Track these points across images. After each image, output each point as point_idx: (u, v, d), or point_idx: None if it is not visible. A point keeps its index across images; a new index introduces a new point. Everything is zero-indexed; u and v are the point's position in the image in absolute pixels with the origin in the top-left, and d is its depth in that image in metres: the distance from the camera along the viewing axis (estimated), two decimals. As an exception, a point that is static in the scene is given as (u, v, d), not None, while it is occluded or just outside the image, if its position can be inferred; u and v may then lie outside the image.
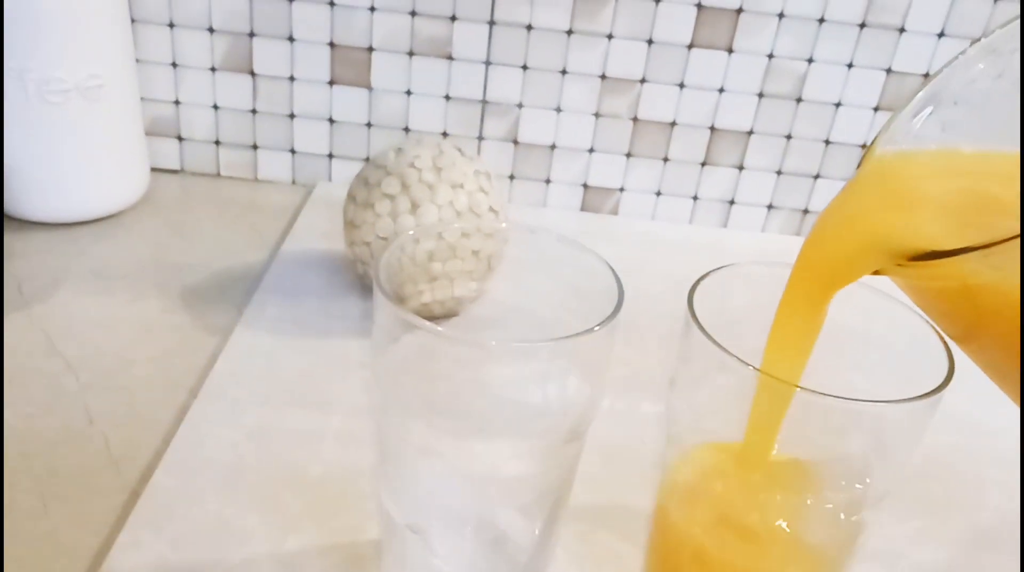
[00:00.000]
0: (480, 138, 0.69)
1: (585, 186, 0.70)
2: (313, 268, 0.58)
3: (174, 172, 0.70)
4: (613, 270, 0.31)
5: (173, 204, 0.66)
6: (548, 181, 0.70)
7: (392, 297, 0.29)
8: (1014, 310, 0.23)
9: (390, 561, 0.34)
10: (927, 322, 0.29)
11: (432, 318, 0.31)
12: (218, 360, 0.48)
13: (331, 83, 0.67)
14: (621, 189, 0.70)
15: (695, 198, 0.71)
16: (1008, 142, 0.27)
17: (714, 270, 0.31)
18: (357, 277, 0.56)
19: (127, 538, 0.36)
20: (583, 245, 0.32)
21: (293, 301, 0.54)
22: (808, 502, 0.29)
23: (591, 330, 0.28)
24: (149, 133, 0.69)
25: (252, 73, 0.66)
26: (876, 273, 0.25)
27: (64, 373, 0.46)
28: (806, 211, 0.71)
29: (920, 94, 0.28)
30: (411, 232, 0.33)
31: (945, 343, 0.28)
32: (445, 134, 0.69)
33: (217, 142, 0.69)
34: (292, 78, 0.67)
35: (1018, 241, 0.21)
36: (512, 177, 0.70)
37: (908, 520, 0.42)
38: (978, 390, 0.29)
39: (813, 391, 0.27)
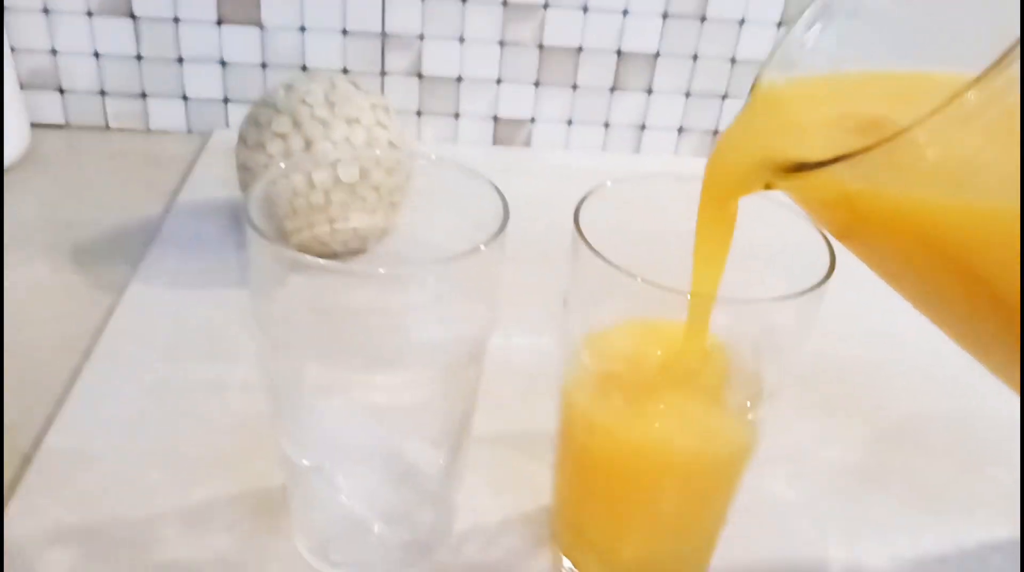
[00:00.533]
0: (383, 73, 0.66)
1: (495, 119, 0.69)
2: (212, 218, 0.55)
3: (59, 127, 0.66)
4: (496, 188, 0.30)
5: (59, 160, 0.63)
6: (457, 115, 0.69)
7: (267, 234, 0.27)
8: (886, 215, 0.24)
9: (297, 505, 0.33)
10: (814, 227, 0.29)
11: (332, 257, 0.30)
12: (112, 317, 0.45)
13: (219, 23, 0.63)
14: (532, 120, 0.69)
15: (606, 125, 0.70)
16: (904, 55, 0.28)
17: (598, 187, 0.31)
18: (259, 223, 0.54)
19: (21, 506, 0.34)
20: (474, 171, 0.31)
21: (192, 253, 0.51)
22: (706, 391, 0.29)
23: (476, 250, 0.27)
24: (26, 86, 0.64)
25: (132, 16, 0.63)
26: (767, 187, 0.27)
27: (-55, 342, 0.44)
28: (716, 132, 0.71)
29: (812, 7, 0.28)
30: (283, 165, 0.31)
31: (829, 243, 0.29)
32: (346, 71, 0.66)
33: (102, 92, 0.66)
34: (176, 19, 0.63)
35: (883, 149, 0.21)
36: (420, 113, 0.68)
37: (812, 420, 0.43)
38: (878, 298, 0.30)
39: (703, 295, 0.27)
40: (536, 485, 0.38)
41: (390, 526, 0.33)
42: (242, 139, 0.50)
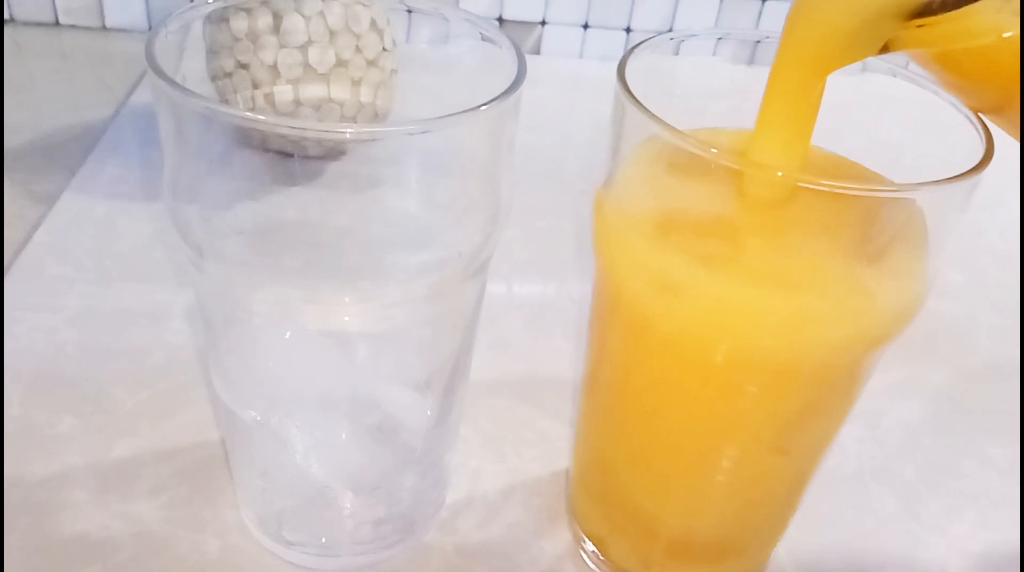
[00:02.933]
0: (372, -35, 0.57)
1: (500, 20, 0.60)
2: (168, 121, 0.47)
3: (2, 22, 0.58)
4: (513, 43, 0.22)
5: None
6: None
7: (184, 87, 0.19)
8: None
9: (241, 467, 0.26)
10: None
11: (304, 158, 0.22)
12: (37, 232, 0.37)
13: (180, -103, 0.54)
14: (543, 22, 0.60)
15: (628, 30, 0.61)
16: None
17: (645, 41, 0.23)
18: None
19: None
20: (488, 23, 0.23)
21: (138, 159, 0.43)
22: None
23: (477, 110, 0.19)
24: (-41, -28, 0.55)
25: None
26: (884, 50, 0.20)
27: None
28: (758, 43, 0.62)
29: None
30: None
31: (979, 122, 0.21)
32: (329, -40, 0.57)
33: (49, -18, 0.57)
34: None
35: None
36: (410, 11, 0.59)
37: (890, 370, 0.35)
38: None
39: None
40: (549, 444, 0.30)
41: (360, 496, 0.25)
42: (209, 16, 0.41)
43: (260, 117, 0.18)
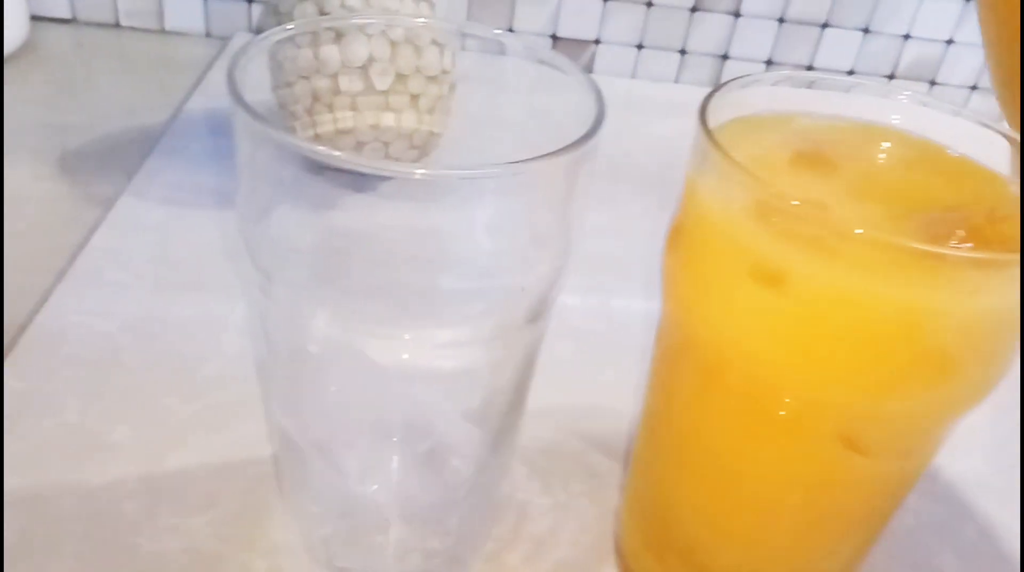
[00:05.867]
0: (429, -22, 0.57)
1: (554, 38, 0.60)
2: (222, 128, 0.47)
3: (63, 22, 0.59)
4: (595, 86, 0.22)
5: (60, 58, 0.55)
6: (511, 30, 0.60)
7: (264, 118, 0.19)
8: None
9: (293, 490, 0.26)
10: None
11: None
12: (95, 235, 0.38)
13: (245, -94, 0.55)
14: (596, 41, 0.60)
15: (682, 52, 0.61)
16: None
17: (730, 82, 0.22)
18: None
19: (-50, 459, 0.27)
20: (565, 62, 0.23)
21: (194, 166, 0.44)
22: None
23: (556, 154, 0.19)
24: (26, -29, 0.56)
25: None
26: None
27: None
28: (810, 67, 0.62)
29: None
30: (290, 27, 0.23)
31: None
32: (387, -28, 0.57)
33: (113, -16, 0.58)
34: (197, -101, 0.54)
35: None
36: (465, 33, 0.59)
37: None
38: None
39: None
40: (598, 480, 0.30)
41: (411, 525, 0.25)
42: (260, 32, 0.41)
43: (337, 153, 0.18)
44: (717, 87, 0.22)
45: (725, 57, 0.61)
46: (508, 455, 0.26)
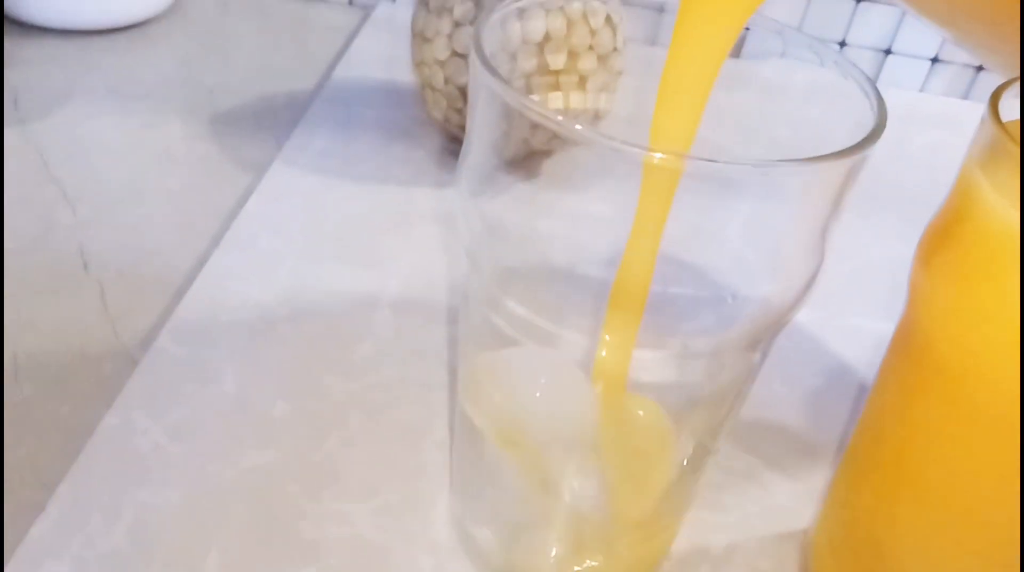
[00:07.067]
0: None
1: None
2: (370, 100, 0.46)
3: (211, -18, 0.59)
4: (865, 77, 0.19)
5: (208, 17, 0.55)
6: (661, 10, 0.57)
7: (508, 81, 0.17)
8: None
9: (467, 481, 0.25)
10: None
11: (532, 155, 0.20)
12: (249, 201, 0.37)
13: None
14: (746, 27, 0.57)
15: (842, 44, 0.57)
16: None
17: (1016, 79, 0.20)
18: (424, 113, 0.44)
19: (115, 419, 0.27)
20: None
21: (345, 136, 0.43)
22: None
23: (830, 157, 0.17)
24: (180, -70, 0.57)
25: None
26: None
27: (58, 203, 0.37)
28: (979, 68, 0.57)
29: None
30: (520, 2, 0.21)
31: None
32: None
33: (261, -54, 0.57)
34: None
35: None
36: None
37: None
38: None
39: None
40: (772, 500, 0.28)
41: (592, 539, 0.23)
42: (422, 1, 0.40)
43: (615, 140, 0.16)
44: (1008, 82, 0.19)
45: (887, 52, 0.57)
46: (704, 476, 0.24)
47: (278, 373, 0.30)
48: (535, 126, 0.17)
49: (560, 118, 0.17)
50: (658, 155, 0.16)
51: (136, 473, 0.26)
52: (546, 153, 0.21)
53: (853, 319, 0.35)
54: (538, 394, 0.21)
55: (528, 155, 0.20)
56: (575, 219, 0.21)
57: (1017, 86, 0.19)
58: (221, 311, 0.32)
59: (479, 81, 0.18)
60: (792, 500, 0.28)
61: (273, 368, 0.30)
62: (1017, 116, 0.19)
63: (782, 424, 0.30)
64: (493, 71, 0.17)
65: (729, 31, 0.19)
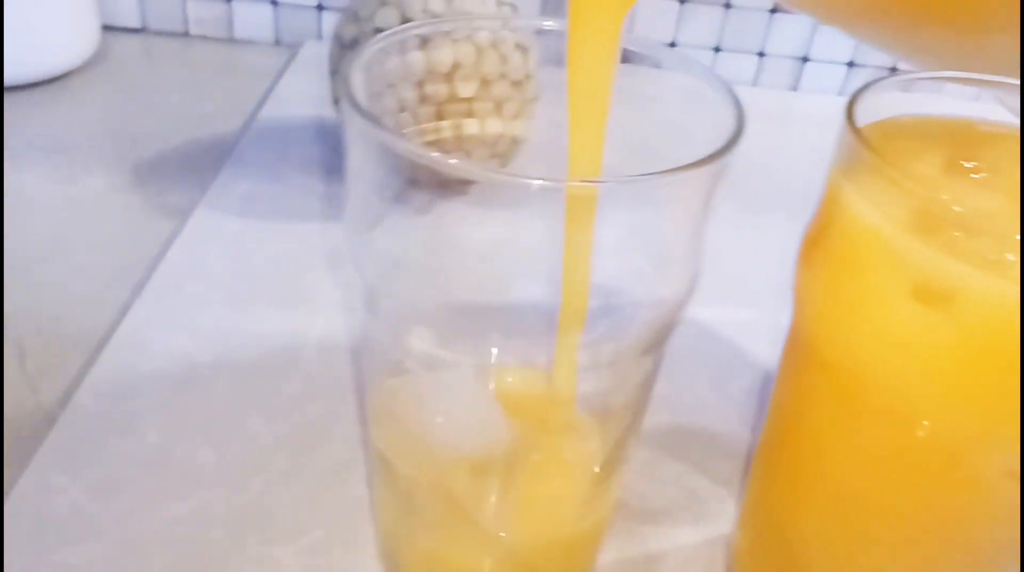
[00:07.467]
0: (500, -18, 0.56)
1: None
2: (296, 138, 0.46)
3: (134, 31, 0.59)
4: (728, 87, 0.20)
5: (131, 67, 0.55)
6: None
7: (379, 121, 0.18)
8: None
9: (385, 514, 0.24)
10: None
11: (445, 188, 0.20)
12: (171, 248, 0.37)
13: (315, -88, 0.54)
14: (672, 44, 0.58)
15: (761, 54, 0.58)
16: None
17: (875, 82, 0.20)
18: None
19: (31, 481, 0.26)
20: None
21: (270, 176, 0.43)
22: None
23: (694, 166, 0.17)
24: (99, -18, 0.57)
25: (217, -100, 0.54)
26: None
27: (-25, 265, 0.36)
28: (894, 69, 0.59)
29: None
30: (387, 34, 0.21)
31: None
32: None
33: (183, -7, 0.57)
34: (267, -94, 0.54)
35: None
36: (540, 31, 0.58)
37: None
38: None
39: None
40: (701, 505, 0.28)
41: (514, 557, 0.23)
42: (337, 38, 0.40)
43: (468, 166, 0.17)
44: (864, 87, 0.20)
45: (805, 59, 0.58)
46: (617, 487, 0.24)
47: (202, 420, 0.29)
48: (413, 163, 0.17)
49: (429, 153, 0.17)
50: (537, 182, 0.17)
51: (53, 534, 0.25)
52: (436, 186, 0.21)
53: (782, 319, 0.36)
54: (440, 418, 0.21)
55: (413, 188, 0.20)
56: (468, 249, 0.21)
57: (876, 89, 0.20)
58: (142, 361, 0.31)
59: (350, 121, 0.18)
60: (720, 504, 0.28)
61: (197, 415, 0.29)
62: (881, 118, 0.20)
63: (710, 429, 0.31)
64: (361, 110, 0.18)
65: (611, 35, 0.19)
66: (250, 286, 0.36)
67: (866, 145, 0.18)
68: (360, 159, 0.19)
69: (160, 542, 0.25)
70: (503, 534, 0.22)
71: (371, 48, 0.20)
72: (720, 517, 0.28)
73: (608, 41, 0.19)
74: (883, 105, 0.21)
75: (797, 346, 0.21)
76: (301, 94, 0.51)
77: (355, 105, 0.18)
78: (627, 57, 0.22)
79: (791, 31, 0.57)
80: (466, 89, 0.35)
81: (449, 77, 0.34)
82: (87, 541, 0.25)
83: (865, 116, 0.20)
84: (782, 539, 0.23)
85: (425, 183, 0.20)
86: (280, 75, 0.54)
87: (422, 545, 0.23)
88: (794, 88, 0.59)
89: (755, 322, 0.35)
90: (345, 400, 0.30)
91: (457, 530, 0.22)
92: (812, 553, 0.22)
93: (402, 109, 0.34)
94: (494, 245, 0.21)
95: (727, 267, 0.39)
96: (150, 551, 0.25)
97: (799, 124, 0.55)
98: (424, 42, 0.34)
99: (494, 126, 0.37)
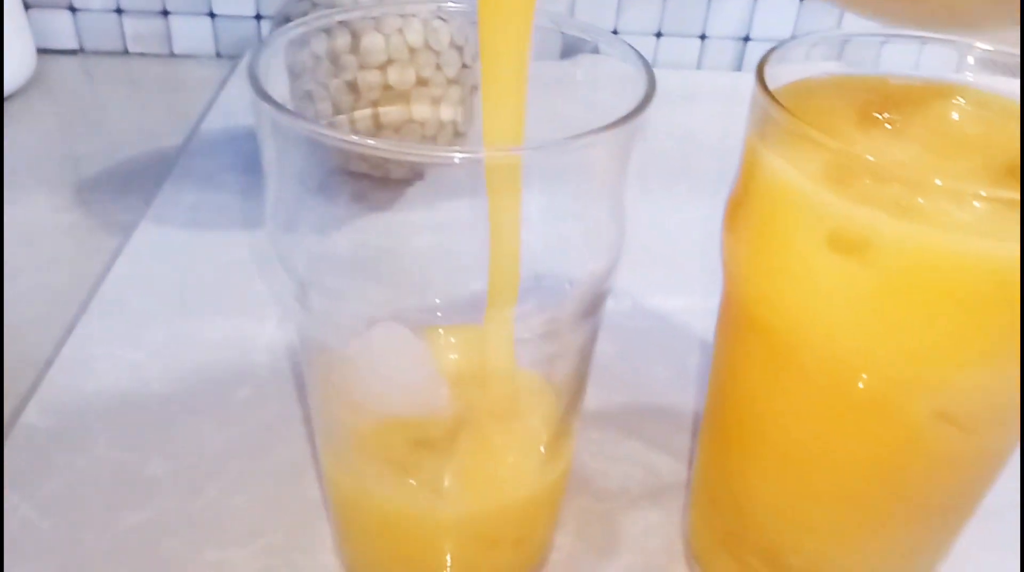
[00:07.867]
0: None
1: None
2: (240, 147, 0.46)
3: (71, 53, 0.58)
4: (639, 54, 0.20)
5: (69, 88, 0.54)
6: (524, 28, 0.58)
7: (285, 107, 0.18)
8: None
9: (338, 508, 0.24)
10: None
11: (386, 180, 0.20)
12: (116, 263, 0.37)
13: (246, -79, 0.54)
14: (614, 31, 0.58)
15: (703, 37, 0.59)
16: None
17: (785, 43, 0.21)
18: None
19: (-19, 504, 0.26)
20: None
21: (214, 186, 0.43)
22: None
23: (604, 129, 0.17)
24: (32, 5, 0.56)
25: (146, -86, 0.53)
26: None
27: (-85, 294, 0.36)
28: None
29: None
30: (305, 22, 0.21)
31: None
32: (394, -22, 0.56)
33: (119, 10, 0.57)
34: (197, -82, 0.54)
35: None
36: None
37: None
38: None
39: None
40: (658, 479, 0.28)
41: (472, 545, 0.23)
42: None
43: (379, 143, 0.17)
44: (772, 49, 0.20)
45: (746, 39, 0.59)
46: (567, 464, 0.24)
47: (153, 431, 0.29)
48: (341, 151, 0.17)
49: (342, 136, 0.17)
50: (458, 155, 0.17)
51: (7, 554, 0.25)
52: (359, 173, 0.21)
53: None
54: (383, 402, 0.21)
55: (334, 178, 0.20)
56: (396, 234, 0.21)
57: (785, 50, 0.20)
58: (90, 377, 0.31)
59: (261, 111, 0.18)
60: (676, 477, 0.28)
61: (148, 426, 0.29)
62: (790, 80, 0.20)
63: (663, 405, 0.31)
64: (272, 101, 0.17)
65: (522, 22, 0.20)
66: (197, 296, 0.35)
67: (776, 104, 0.18)
68: (274, 152, 0.19)
69: (115, 554, 0.25)
70: (447, 502, 0.22)
71: (282, 36, 0.20)
72: (677, 490, 0.28)
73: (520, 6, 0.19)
74: (796, 66, 0.21)
75: (730, 309, 0.21)
76: (244, 104, 0.51)
77: (263, 95, 0.18)
78: (549, 37, 0.22)
79: (731, 12, 0.58)
80: (402, 81, 0.35)
81: (383, 69, 0.34)
82: (40, 558, 0.25)
83: (777, 78, 0.20)
84: (733, 501, 0.23)
85: (347, 171, 0.20)
86: (222, 86, 0.54)
87: (374, 533, 0.23)
88: (738, 68, 0.60)
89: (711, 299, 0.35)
90: (297, 403, 0.30)
91: (405, 510, 0.22)
92: (761, 511, 0.22)
93: (335, 103, 0.34)
94: (420, 228, 0.21)
95: (684, 248, 0.39)
96: (105, 564, 0.25)
97: (745, 103, 0.56)
98: (355, 36, 0.34)
99: (431, 115, 0.37)
